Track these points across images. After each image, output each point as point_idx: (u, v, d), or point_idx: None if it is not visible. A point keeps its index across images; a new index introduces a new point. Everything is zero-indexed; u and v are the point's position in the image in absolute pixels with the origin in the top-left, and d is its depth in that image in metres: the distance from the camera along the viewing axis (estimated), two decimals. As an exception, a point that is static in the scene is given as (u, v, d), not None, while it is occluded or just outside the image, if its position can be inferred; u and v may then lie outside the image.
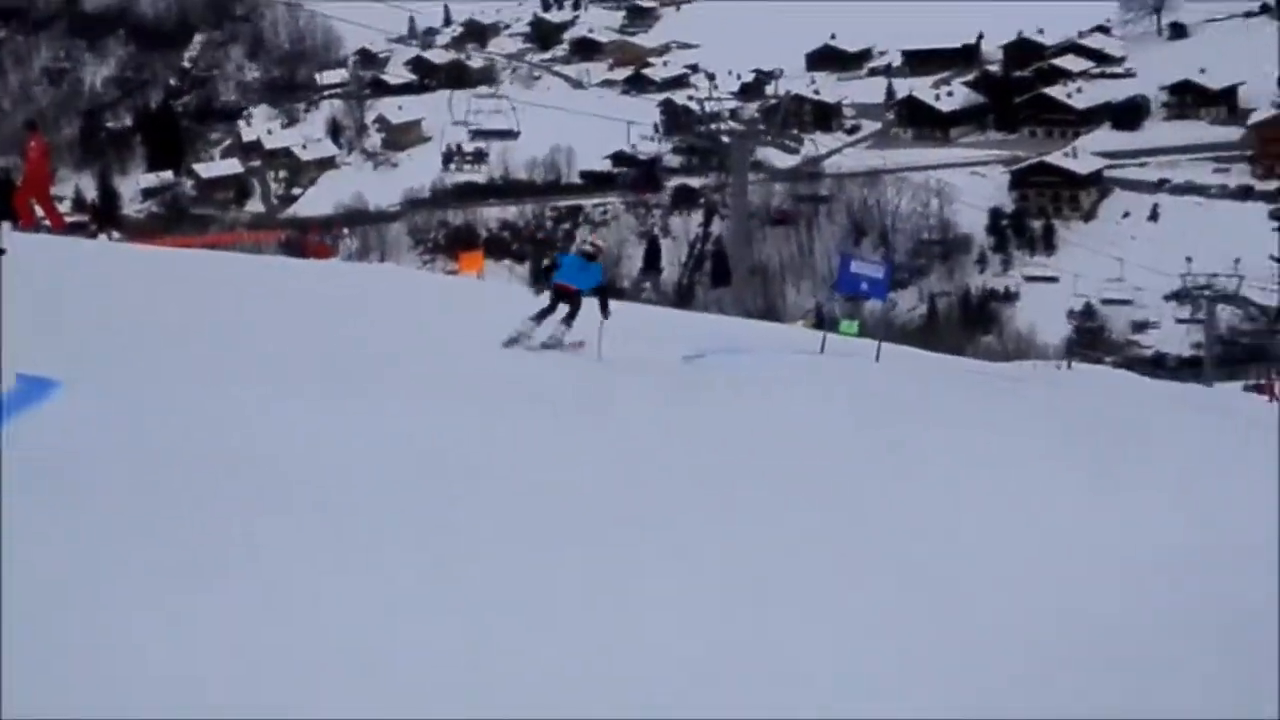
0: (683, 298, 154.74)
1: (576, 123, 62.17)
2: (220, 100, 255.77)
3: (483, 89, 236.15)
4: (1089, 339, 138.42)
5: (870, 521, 8.89)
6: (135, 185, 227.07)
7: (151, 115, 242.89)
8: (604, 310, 16.07)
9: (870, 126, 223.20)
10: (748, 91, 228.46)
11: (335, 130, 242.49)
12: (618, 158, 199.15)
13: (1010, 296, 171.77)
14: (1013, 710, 6.32)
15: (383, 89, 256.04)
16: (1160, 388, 50.02)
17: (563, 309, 16.11)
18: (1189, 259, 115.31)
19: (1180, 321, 79.19)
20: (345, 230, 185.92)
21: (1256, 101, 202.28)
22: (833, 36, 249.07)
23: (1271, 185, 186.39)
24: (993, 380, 22.40)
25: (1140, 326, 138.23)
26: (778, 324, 43.14)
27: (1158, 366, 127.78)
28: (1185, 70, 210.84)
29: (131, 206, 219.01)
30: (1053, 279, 63.15)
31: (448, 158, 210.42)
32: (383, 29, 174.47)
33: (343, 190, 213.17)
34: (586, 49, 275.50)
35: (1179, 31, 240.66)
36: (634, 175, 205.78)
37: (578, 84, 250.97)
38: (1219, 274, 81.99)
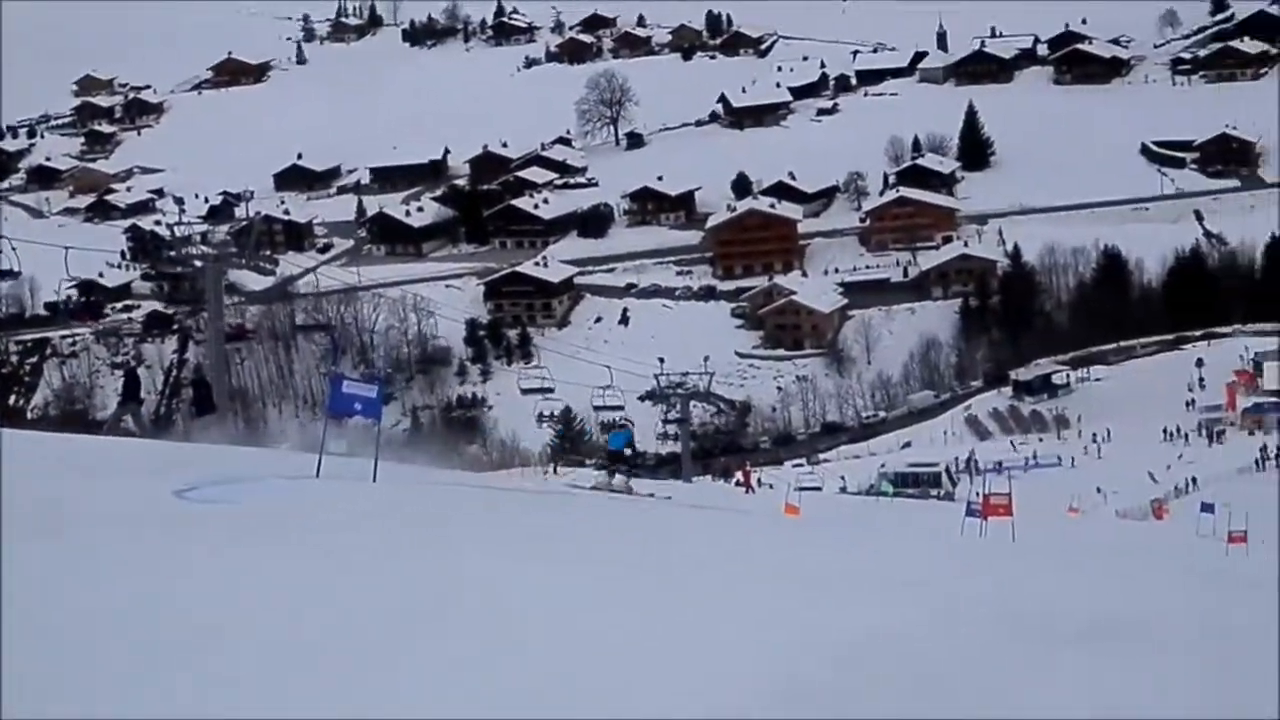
0: (163, 428, 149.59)
1: (38, 254, 59.33)
2: None
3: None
4: (570, 443, 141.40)
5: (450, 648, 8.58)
6: None
7: None
8: (626, 462, 21.86)
9: (343, 244, 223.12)
10: (217, 214, 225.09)
11: None
12: (83, 287, 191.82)
13: (479, 403, 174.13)
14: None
15: None
16: (647, 486, 51.29)
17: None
18: (661, 359, 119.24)
19: (667, 422, 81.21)
20: None
21: (712, 205, 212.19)
22: (299, 156, 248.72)
23: (731, 285, 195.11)
24: (488, 490, 22.38)
25: (609, 427, 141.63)
26: (264, 449, 42.39)
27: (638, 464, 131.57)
28: (644, 178, 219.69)
29: None
30: (549, 390, 64.07)
31: None
32: None
33: None
34: (45, 177, 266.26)
35: (636, 141, 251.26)
36: (74, 305, 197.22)
37: (38, 213, 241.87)
38: (690, 372, 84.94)
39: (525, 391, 60.93)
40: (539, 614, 9.66)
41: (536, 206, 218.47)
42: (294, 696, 7.80)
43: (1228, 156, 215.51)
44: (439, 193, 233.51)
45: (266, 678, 8.01)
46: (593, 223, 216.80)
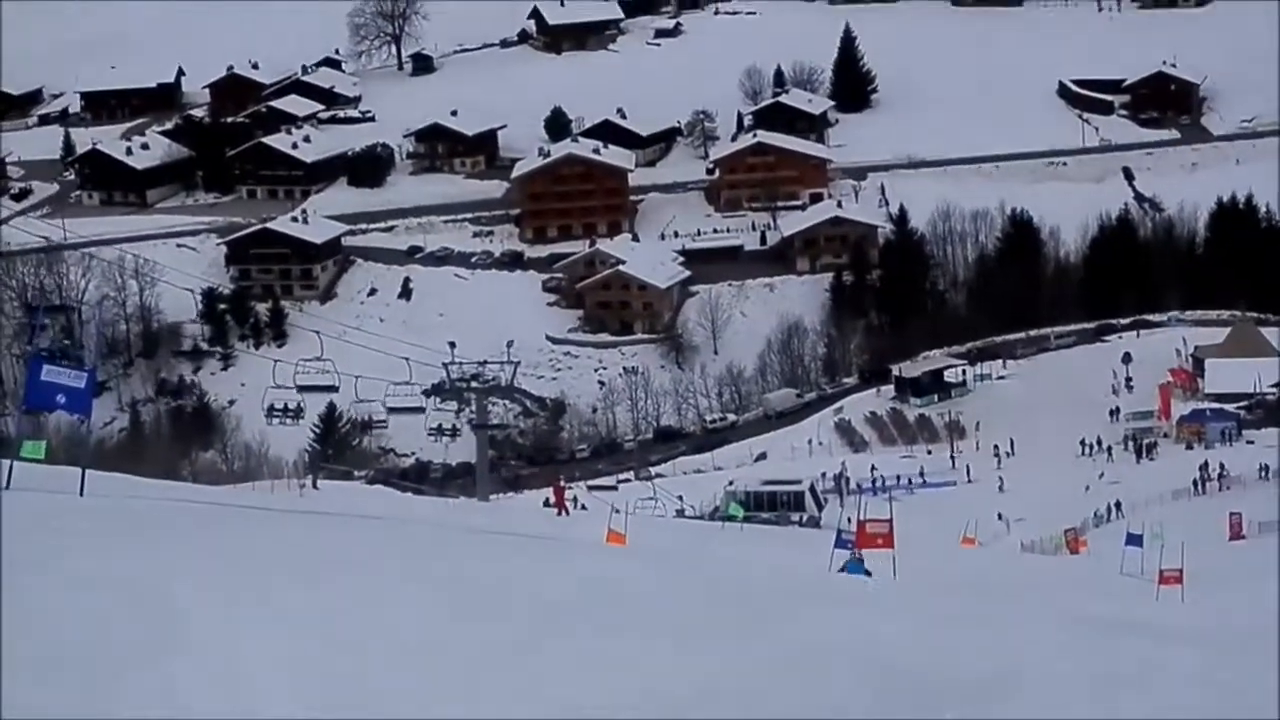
0: None
1: None
2: None
3: None
4: (334, 451, 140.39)
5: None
6: None
7: None
8: None
9: (45, 189, 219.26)
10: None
11: None
12: None
13: (190, 390, 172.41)
14: None
15: None
16: (425, 506, 51.19)
17: None
18: (452, 344, 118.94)
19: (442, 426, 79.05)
20: None
21: (520, 149, 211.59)
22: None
23: (543, 251, 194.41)
24: (217, 509, 22.27)
25: (364, 426, 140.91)
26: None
27: (421, 479, 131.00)
28: (434, 112, 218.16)
29: None
30: (334, 388, 62.63)
31: None
32: None
33: None
34: None
35: (423, 65, 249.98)
36: None
37: None
38: (489, 361, 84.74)
39: (302, 389, 59.88)
40: (245, 668, 9.70)
41: (295, 146, 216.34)
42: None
43: (1165, 101, 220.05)
44: (170, 126, 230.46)
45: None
46: (367, 168, 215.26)
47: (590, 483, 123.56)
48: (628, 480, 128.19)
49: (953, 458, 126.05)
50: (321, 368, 59.28)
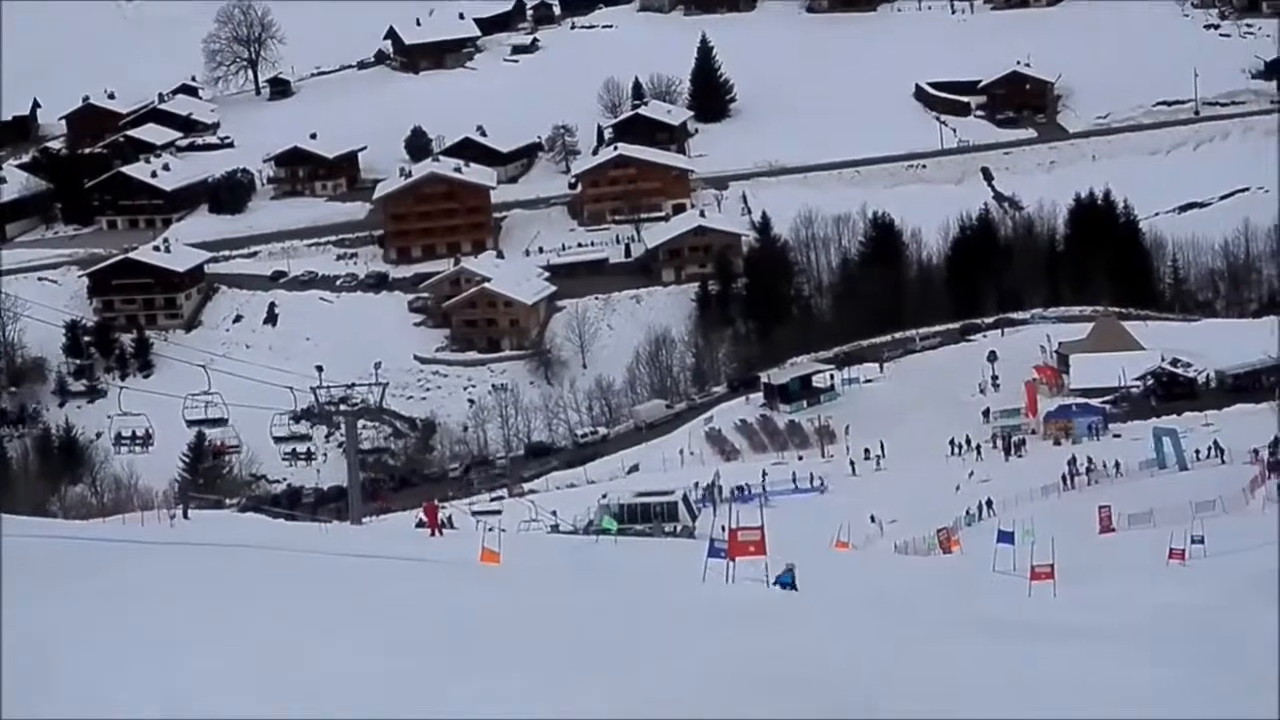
0: None
1: None
2: None
3: None
4: (204, 480, 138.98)
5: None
6: None
7: None
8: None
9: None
10: None
11: None
12: None
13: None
14: None
15: None
16: (297, 532, 50.75)
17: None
18: (320, 368, 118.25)
19: (286, 440, 76.75)
20: None
21: (381, 170, 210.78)
22: None
23: (408, 271, 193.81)
24: (86, 544, 21.95)
25: (220, 453, 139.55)
26: None
27: (294, 504, 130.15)
28: (293, 136, 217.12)
29: None
30: (223, 421, 61.49)
31: None
32: None
33: None
34: None
35: (281, 89, 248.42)
36: None
37: None
38: (357, 383, 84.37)
39: (192, 423, 59.14)
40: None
41: (155, 175, 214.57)
42: None
43: (1020, 101, 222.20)
44: (27, 159, 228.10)
45: None
46: (228, 194, 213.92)
47: (474, 507, 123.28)
48: (501, 497, 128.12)
49: (852, 466, 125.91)
50: (211, 399, 58.68)
